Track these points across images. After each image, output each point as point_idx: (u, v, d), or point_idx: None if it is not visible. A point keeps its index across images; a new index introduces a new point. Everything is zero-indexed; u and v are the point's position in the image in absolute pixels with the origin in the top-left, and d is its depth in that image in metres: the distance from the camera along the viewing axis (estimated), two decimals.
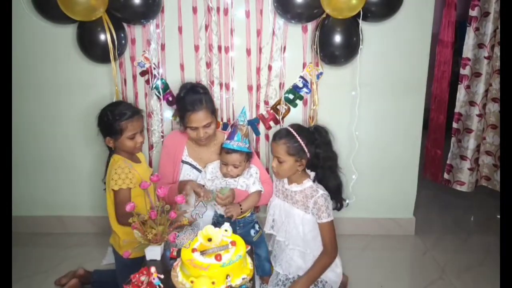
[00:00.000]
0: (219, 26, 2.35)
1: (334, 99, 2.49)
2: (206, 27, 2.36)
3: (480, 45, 2.60)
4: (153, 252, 1.62)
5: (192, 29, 2.38)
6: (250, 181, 1.96)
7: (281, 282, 1.91)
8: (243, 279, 1.45)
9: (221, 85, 2.45)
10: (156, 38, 2.37)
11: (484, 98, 2.67)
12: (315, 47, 2.27)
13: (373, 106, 2.51)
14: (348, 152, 2.55)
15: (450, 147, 2.81)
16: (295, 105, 2.49)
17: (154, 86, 2.43)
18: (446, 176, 2.85)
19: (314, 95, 2.40)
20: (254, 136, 2.51)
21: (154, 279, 1.41)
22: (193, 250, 1.48)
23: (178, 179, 2.06)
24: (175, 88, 2.29)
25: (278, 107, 2.48)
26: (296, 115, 2.50)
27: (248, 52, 2.40)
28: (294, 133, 1.82)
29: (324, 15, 2.20)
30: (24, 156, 2.62)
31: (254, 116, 2.50)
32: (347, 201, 2.00)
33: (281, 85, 2.46)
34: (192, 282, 1.39)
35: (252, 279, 1.50)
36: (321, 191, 1.84)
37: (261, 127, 2.52)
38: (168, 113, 2.50)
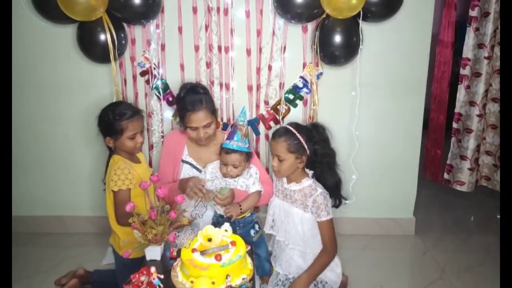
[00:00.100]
0: (219, 26, 2.35)
1: (334, 99, 2.49)
2: (206, 27, 2.36)
3: (480, 45, 2.60)
4: (153, 252, 1.62)
5: (192, 29, 2.38)
6: (250, 181, 1.96)
7: (281, 282, 1.91)
8: (243, 279, 1.45)
9: (221, 85, 2.45)
10: (156, 38, 2.37)
11: (484, 98, 2.67)
12: (315, 47, 2.27)
13: (373, 106, 2.51)
14: (348, 152, 2.55)
15: (450, 147, 2.81)
16: (295, 105, 2.49)
17: (154, 86, 2.43)
18: (446, 176, 2.85)
19: (314, 95, 2.41)
20: (254, 136, 2.51)
21: (154, 279, 1.41)
22: (193, 250, 1.48)
23: (178, 178, 2.06)
24: (175, 88, 2.29)
25: (278, 107, 2.48)
26: (296, 115, 2.50)
27: (248, 52, 2.40)
28: (294, 131, 1.84)
29: (324, 15, 2.20)
30: (24, 156, 2.62)
31: (254, 116, 2.50)
32: (346, 200, 2.00)
33: (281, 85, 2.46)
34: (192, 282, 1.39)
35: (252, 279, 1.50)
36: (320, 189, 1.85)
37: (261, 127, 2.53)
38: (168, 113, 2.50)
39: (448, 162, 2.83)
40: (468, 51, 2.61)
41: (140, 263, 1.64)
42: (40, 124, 2.58)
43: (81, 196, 2.70)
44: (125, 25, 2.31)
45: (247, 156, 1.95)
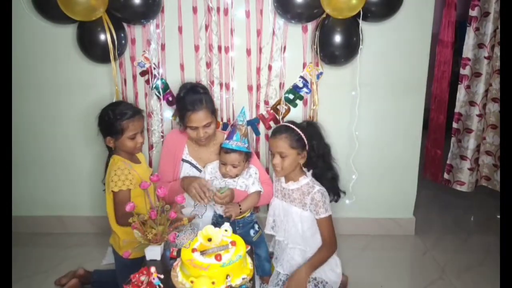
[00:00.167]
0: (219, 26, 2.35)
1: (334, 99, 2.49)
2: (206, 27, 2.36)
3: (480, 45, 2.60)
4: (153, 252, 1.62)
5: (192, 29, 2.38)
6: (249, 181, 1.96)
7: (281, 282, 1.91)
8: (243, 279, 1.45)
9: (221, 85, 2.45)
10: (156, 38, 2.37)
11: (484, 98, 2.67)
12: (315, 47, 2.27)
13: (373, 106, 2.51)
14: (348, 152, 2.55)
15: (450, 147, 2.81)
16: (295, 105, 2.49)
17: (154, 86, 2.43)
18: (446, 176, 2.85)
19: (314, 95, 2.41)
20: (254, 136, 2.51)
21: (154, 279, 1.41)
22: (193, 250, 1.48)
23: (178, 177, 2.06)
24: (175, 88, 2.29)
25: (278, 107, 2.48)
26: (296, 115, 2.49)
27: (248, 52, 2.40)
28: (294, 127, 1.87)
29: (324, 15, 2.20)
30: (24, 156, 2.62)
31: (254, 116, 2.50)
32: (344, 193, 2.02)
33: (281, 85, 2.46)
34: (192, 282, 1.39)
35: (252, 279, 1.50)
36: (318, 187, 1.87)
37: (261, 127, 2.52)
38: (168, 113, 2.50)
39: (448, 162, 2.83)
40: (468, 51, 2.61)
41: (140, 263, 1.64)
42: (40, 124, 2.58)
43: (81, 196, 2.70)
44: (125, 25, 2.31)
45: (247, 156, 1.95)
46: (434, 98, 2.78)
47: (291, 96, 2.48)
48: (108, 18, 2.17)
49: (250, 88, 2.46)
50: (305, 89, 2.46)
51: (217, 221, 1.97)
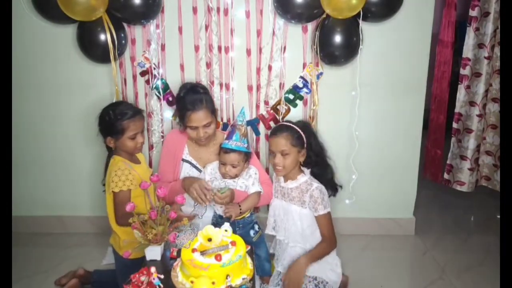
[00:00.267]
0: (219, 26, 2.35)
1: (334, 99, 2.49)
2: (206, 27, 2.36)
3: (480, 45, 2.60)
4: (153, 252, 1.62)
5: (192, 29, 2.38)
6: (249, 182, 1.96)
7: (281, 281, 1.91)
8: (243, 279, 1.45)
9: (221, 85, 2.45)
10: (156, 38, 2.37)
11: (484, 98, 2.67)
12: (315, 47, 2.27)
13: (373, 106, 2.51)
14: (348, 152, 2.55)
15: (450, 147, 2.81)
16: (295, 105, 2.49)
17: (154, 86, 2.43)
18: (446, 176, 2.85)
19: (314, 95, 2.41)
20: (254, 136, 2.51)
21: (154, 279, 1.41)
22: (193, 250, 1.48)
23: (178, 177, 2.06)
24: (175, 88, 2.29)
25: (278, 107, 2.48)
26: (296, 115, 2.49)
27: (248, 52, 2.40)
28: (293, 126, 1.91)
29: (324, 15, 2.20)
30: (24, 156, 2.62)
31: (254, 116, 2.50)
32: (341, 187, 2.04)
33: (281, 85, 2.46)
34: (192, 282, 1.39)
35: (252, 279, 1.50)
36: (316, 184, 1.89)
37: (261, 127, 2.52)
38: (168, 113, 2.50)
39: (448, 162, 2.83)
40: (468, 51, 2.61)
41: (140, 263, 1.64)
42: (40, 124, 2.58)
43: (81, 196, 2.70)
44: (125, 25, 2.31)
45: (246, 156, 1.95)
46: (434, 98, 2.78)
47: (291, 96, 2.48)
48: (108, 18, 2.17)
49: (250, 88, 2.46)
50: (305, 89, 2.46)
51: (217, 222, 1.97)
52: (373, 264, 2.43)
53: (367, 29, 2.30)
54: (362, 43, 2.28)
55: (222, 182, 1.95)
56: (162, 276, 1.43)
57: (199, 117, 1.92)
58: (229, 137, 1.92)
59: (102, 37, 2.18)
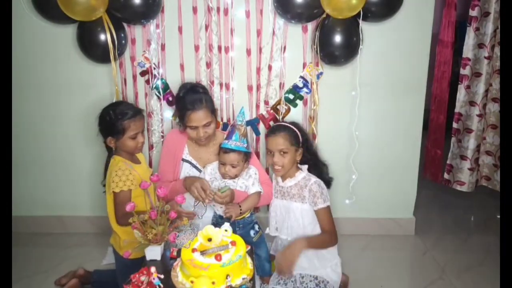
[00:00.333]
0: (219, 26, 2.35)
1: (334, 99, 2.49)
2: (206, 27, 2.36)
3: (480, 45, 2.60)
4: (153, 252, 1.62)
5: (192, 29, 2.38)
6: (249, 182, 1.96)
7: (282, 281, 1.91)
8: (243, 279, 1.45)
9: (221, 85, 2.45)
10: (156, 38, 2.37)
11: (484, 98, 2.66)
12: (315, 47, 2.27)
13: (373, 106, 2.51)
14: (348, 152, 2.55)
15: (450, 147, 2.81)
16: (295, 105, 2.49)
17: (154, 86, 2.43)
18: (446, 176, 2.85)
19: (315, 95, 2.41)
20: (254, 136, 2.51)
21: (154, 279, 1.41)
22: (193, 250, 1.48)
23: (178, 177, 2.06)
24: (175, 88, 2.30)
25: (278, 107, 2.48)
26: (296, 115, 2.50)
27: (248, 52, 2.40)
28: (290, 125, 1.95)
29: (324, 15, 2.20)
30: (24, 156, 2.62)
31: (254, 116, 2.50)
32: (332, 179, 2.08)
33: (281, 85, 2.46)
34: (192, 282, 1.39)
35: (252, 279, 1.50)
36: (314, 178, 1.93)
37: (261, 127, 2.52)
38: (168, 113, 2.50)
39: (448, 162, 2.83)
40: (468, 51, 2.60)
41: (140, 263, 1.64)
42: (40, 124, 2.58)
43: (81, 196, 2.70)
44: (125, 25, 2.31)
45: (246, 156, 1.95)
46: (434, 98, 2.78)
47: (291, 96, 2.48)
48: (108, 18, 2.17)
49: (250, 88, 2.46)
50: (305, 89, 2.46)
51: (217, 222, 1.97)
52: (373, 264, 2.43)
53: (367, 29, 2.30)
54: (362, 43, 2.28)
55: (222, 182, 1.95)
56: (162, 276, 1.43)
57: (199, 117, 1.92)
58: (228, 137, 1.92)
59: (102, 37, 2.18)
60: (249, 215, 1.98)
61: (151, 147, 2.53)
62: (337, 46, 2.22)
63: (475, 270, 2.36)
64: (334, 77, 2.44)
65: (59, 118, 2.56)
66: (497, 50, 2.58)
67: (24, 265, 2.39)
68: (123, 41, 2.29)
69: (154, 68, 2.40)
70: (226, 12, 2.33)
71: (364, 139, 2.54)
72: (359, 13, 2.15)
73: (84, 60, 2.37)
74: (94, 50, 2.25)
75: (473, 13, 2.54)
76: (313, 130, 2.45)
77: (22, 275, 2.29)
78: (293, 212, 1.92)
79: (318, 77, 2.43)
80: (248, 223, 1.98)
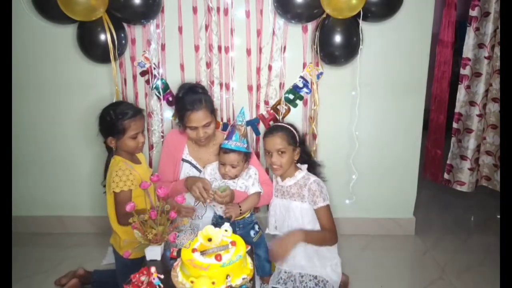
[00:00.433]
0: (219, 26, 2.35)
1: (334, 99, 2.49)
2: (206, 27, 2.36)
3: (480, 45, 2.60)
4: (153, 252, 1.62)
5: (192, 29, 2.38)
6: (249, 182, 1.96)
7: (282, 280, 1.92)
8: (243, 279, 1.45)
9: (221, 85, 2.45)
10: (156, 38, 2.37)
11: (484, 98, 2.66)
12: (315, 47, 2.27)
13: (373, 106, 2.51)
14: (348, 152, 2.55)
15: (450, 147, 2.81)
16: (295, 105, 2.49)
17: (154, 86, 2.43)
18: (446, 176, 2.85)
19: (315, 95, 2.41)
20: (254, 136, 2.51)
21: (154, 279, 1.41)
22: (193, 250, 1.48)
23: (178, 177, 2.06)
24: (175, 88, 2.29)
25: (278, 107, 2.48)
26: (296, 115, 2.50)
27: (248, 52, 2.40)
28: (287, 125, 1.97)
29: (324, 15, 2.20)
30: (24, 156, 2.62)
31: (254, 116, 2.50)
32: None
33: (281, 85, 2.46)
34: (192, 282, 1.39)
35: (252, 279, 1.50)
36: (313, 177, 1.94)
37: (261, 127, 2.52)
38: (168, 113, 2.50)
39: (448, 162, 2.83)
40: (468, 51, 2.60)
41: (140, 263, 1.64)
42: (40, 124, 2.58)
43: (81, 196, 2.70)
44: (125, 25, 2.31)
45: (246, 156, 1.95)
46: (434, 98, 2.77)
47: (291, 96, 2.48)
48: (108, 18, 2.17)
49: (250, 88, 2.46)
50: (305, 89, 2.46)
51: (217, 222, 1.97)
52: (373, 264, 2.43)
53: (367, 29, 2.30)
54: (362, 43, 2.28)
55: (222, 182, 1.95)
56: (162, 276, 1.43)
57: (198, 117, 1.91)
58: (228, 137, 1.91)
59: (102, 37, 2.18)
60: (249, 215, 1.98)
61: (151, 147, 2.53)
62: (337, 46, 2.22)
63: (475, 270, 2.37)
64: (334, 77, 2.44)
65: (59, 118, 2.57)
66: (497, 50, 2.58)
67: (24, 265, 2.39)
68: (123, 41, 2.29)
69: (154, 68, 2.40)
70: (226, 12, 2.33)
71: (364, 139, 2.54)
72: (359, 13, 2.15)
73: (84, 60, 2.37)
74: (94, 50, 2.25)
75: (473, 13, 2.54)
76: (313, 130, 2.45)
77: (22, 275, 2.29)
78: (293, 211, 1.93)
79: (318, 77, 2.43)
80: (248, 223, 1.98)
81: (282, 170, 1.93)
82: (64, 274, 2.21)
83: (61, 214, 2.74)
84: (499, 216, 2.94)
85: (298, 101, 2.49)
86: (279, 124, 2.04)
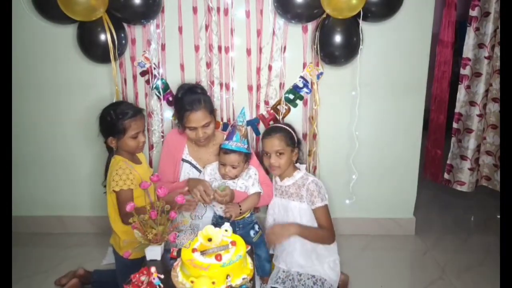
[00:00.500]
0: (219, 26, 2.35)
1: (334, 99, 2.49)
2: (206, 27, 2.36)
3: (480, 45, 2.60)
4: (153, 252, 1.62)
5: (192, 29, 2.38)
6: (249, 182, 1.96)
7: (280, 279, 1.92)
8: (243, 279, 1.45)
9: (221, 85, 2.45)
10: (156, 38, 2.37)
11: (484, 98, 2.66)
12: (315, 47, 2.27)
13: (373, 106, 2.51)
14: (348, 152, 2.55)
15: (450, 147, 2.81)
16: (295, 105, 2.49)
17: (154, 86, 2.43)
18: (446, 176, 2.85)
19: (315, 95, 2.41)
20: (254, 136, 2.51)
21: (154, 279, 1.41)
22: (193, 250, 1.48)
23: (178, 177, 2.06)
24: (175, 88, 2.29)
25: (278, 107, 2.48)
26: (296, 115, 2.50)
27: (248, 52, 2.40)
28: (285, 126, 1.98)
29: (324, 15, 2.20)
30: (24, 156, 2.62)
31: (254, 116, 2.50)
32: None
33: (281, 85, 2.46)
34: (192, 282, 1.39)
35: (252, 279, 1.50)
36: (311, 177, 1.94)
37: (261, 127, 2.52)
38: (168, 113, 2.50)
39: (448, 162, 2.83)
40: (468, 51, 2.60)
41: (140, 263, 1.64)
42: (40, 124, 2.58)
43: (81, 196, 2.70)
44: (125, 25, 2.31)
45: (246, 156, 1.95)
46: (434, 98, 2.77)
47: (291, 96, 2.48)
48: (108, 18, 2.17)
49: (250, 88, 2.46)
50: (305, 89, 2.46)
51: (217, 222, 1.97)
52: (373, 264, 2.43)
53: (367, 29, 2.30)
54: (362, 43, 2.28)
55: (221, 182, 1.95)
56: (162, 276, 1.43)
57: (197, 117, 1.91)
58: (229, 137, 1.91)
59: (102, 37, 2.18)
60: (249, 215, 1.98)
61: (151, 147, 2.53)
62: (337, 46, 2.22)
63: (475, 270, 2.36)
64: (334, 77, 2.44)
65: (59, 118, 2.56)
66: (497, 50, 2.58)
67: (24, 265, 2.39)
68: (123, 41, 2.29)
69: (154, 68, 2.40)
70: (226, 12, 2.33)
71: (364, 139, 2.54)
72: (359, 13, 2.15)
73: (84, 60, 2.37)
74: (94, 50, 2.25)
75: (473, 13, 2.54)
76: (314, 130, 2.45)
77: (22, 275, 2.29)
78: (291, 211, 1.93)
79: (318, 77, 2.43)
80: (248, 223, 1.98)
81: (280, 170, 1.95)
82: (64, 274, 2.21)
83: (61, 214, 2.74)
84: (499, 216, 2.94)
85: (298, 101, 2.49)
86: (277, 125, 2.04)
